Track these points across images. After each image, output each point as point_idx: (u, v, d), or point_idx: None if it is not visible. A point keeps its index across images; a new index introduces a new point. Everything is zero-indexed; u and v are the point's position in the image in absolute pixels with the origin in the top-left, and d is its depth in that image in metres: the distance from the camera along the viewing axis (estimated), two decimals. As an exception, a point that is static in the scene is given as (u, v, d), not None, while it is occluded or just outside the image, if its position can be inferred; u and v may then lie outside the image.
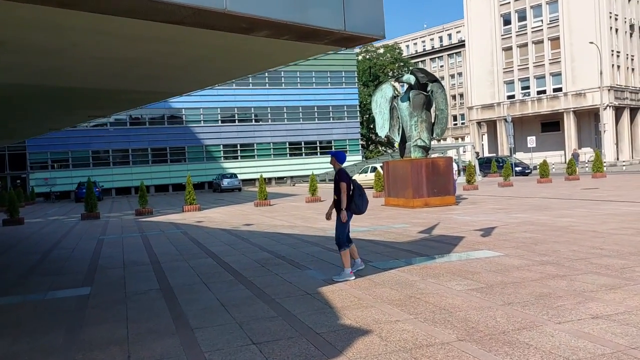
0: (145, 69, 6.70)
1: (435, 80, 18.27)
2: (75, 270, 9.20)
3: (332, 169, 7.77)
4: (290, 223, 15.18)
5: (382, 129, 19.47)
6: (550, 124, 54.50)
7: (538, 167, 31.17)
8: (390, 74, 68.73)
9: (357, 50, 65.14)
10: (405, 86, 19.24)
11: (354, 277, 7.10)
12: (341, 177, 7.12)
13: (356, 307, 5.73)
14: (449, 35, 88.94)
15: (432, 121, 18.60)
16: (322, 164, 50.48)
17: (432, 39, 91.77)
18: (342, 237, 7.08)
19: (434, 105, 18.38)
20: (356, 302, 5.92)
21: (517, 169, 38.73)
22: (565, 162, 40.35)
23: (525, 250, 8.63)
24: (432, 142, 19.58)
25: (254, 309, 5.85)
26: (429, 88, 18.22)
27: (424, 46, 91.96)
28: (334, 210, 7.43)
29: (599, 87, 48.10)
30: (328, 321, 5.26)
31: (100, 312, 6.22)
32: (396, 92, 19.74)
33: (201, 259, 9.61)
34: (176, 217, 19.66)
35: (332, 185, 7.49)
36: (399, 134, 19.04)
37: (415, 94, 18.05)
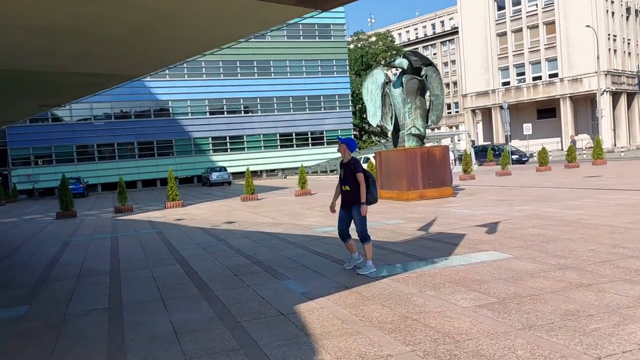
0: (79, 44, 5.51)
1: (429, 63, 17.10)
2: (22, 283, 8.02)
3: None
4: (275, 220, 14.03)
5: (373, 117, 18.31)
6: (546, 111, 53.46)
7: (536, 155, 30.19)
8: (382, 62, 67.45)
9: (348, 38, 63.80)
10: (399, 72, 18.06)
11: (375, 269, 6.87)
12: (357, 167, 6.80)
13: (339, 333, 4.60)
14: (442, 22, 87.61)
15: (427, 108, 17.46)
16: (314, 155, 49.34)
17: (424, 27, 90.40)
18: (366, 231, 6.93)
19: (428, 91, 17.24)
20: (339, 327, 4.78)
21: (514, 157, 37.71)
22: (562, 149, 39.36)
23: (536, 250, 7.52)
24: (427, 130, 18.45)
25: (212, 337, 4.71)
26: (423, 72, 17.06)
27: (417, 34, 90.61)
28: (338, 201, 7.07)
29: (596, 72, 47.06)
30: (302, 356, 4.13)
31: (25, 342, 5.06)
32: (388, 78, 18.56)
33: (168, 266, 8.45)
34: (156, 215, 18.48)
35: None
36: (391, 122, 17.90)
37: (409, 79, 16.88)
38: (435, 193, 16.79)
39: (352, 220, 6.98)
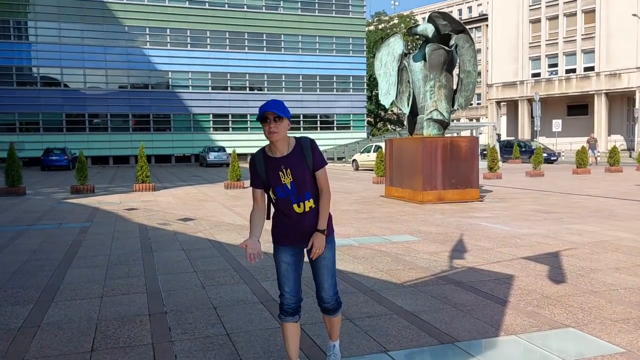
0: None
1: (462, 30, 13.42)
2: None
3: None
4: (245, 220, 10.60)
5: (386, 95, 14.69)
6: (578, 107, 49.23)
7: (564, 154, 26.50)
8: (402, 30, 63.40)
9: (368, 17, 59.78)
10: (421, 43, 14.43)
11: None
12: (319, 155, 3.24)
13: None
14: (469, 8, 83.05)
15: (454, 87, 13.85)
16: (322, 140, 45.71)
17: (451, 12, 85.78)
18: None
19: (457, 66, 13.60)
20: None
21: (543, 155, 33.87)
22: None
23: (660, 335, 4.02)
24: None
25: None
26: (452, 42, 13.40)
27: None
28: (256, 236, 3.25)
29: (637, 67, 42.75)
30: None
31: None
32: (407, 49, 14.96)
33: (7, 306, 5.05)
34: (113, 199, 15.18)
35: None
36: (408, 103, 14.29)
37: (433, 49, 13.26)
38: (457, 195, 13.29)
39: (316, 273, 3.34)
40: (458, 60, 13.43)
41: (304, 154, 3.14)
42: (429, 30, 13.72)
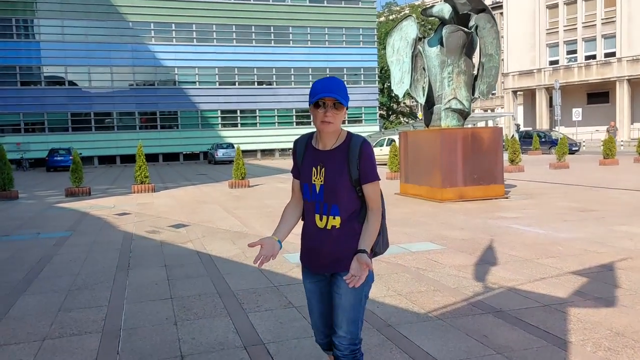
0: None
1: (482, 9, 12.11)
2: None
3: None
4: (244, 225, 9.49)
5: (399, 84, 13.43)
6: (599, 95, 47.30)
7: (585, 144, 24.96)
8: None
9: (378, 7, 58.28)
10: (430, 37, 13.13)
11: None
12: (370, 163, 2.44)
13: None
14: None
15: (475, 73, 12.57)
16: (334, 135, 44.42)
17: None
18: (359, 330, 2.48)
19: (478, 50, 12.32)
20: None
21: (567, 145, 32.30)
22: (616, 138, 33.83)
23: None
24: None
25: None
26: (471, 22, 12.11)
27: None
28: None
29: (661, 52, 40.82)
30: None
31: None
32: (421, 33, 13.69)
33: None
34: (108, 203, 14.15)
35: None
36: (424, 92, 13.04)
37: (451, 32, 11.98)
38: (480, 192, 12.04)
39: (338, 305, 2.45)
40: (479, 43, 12.16)
41: (349, 158, 2.40)
42: (446, 10, 12.46)
